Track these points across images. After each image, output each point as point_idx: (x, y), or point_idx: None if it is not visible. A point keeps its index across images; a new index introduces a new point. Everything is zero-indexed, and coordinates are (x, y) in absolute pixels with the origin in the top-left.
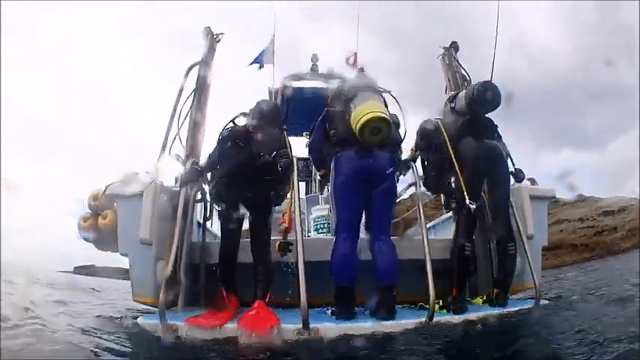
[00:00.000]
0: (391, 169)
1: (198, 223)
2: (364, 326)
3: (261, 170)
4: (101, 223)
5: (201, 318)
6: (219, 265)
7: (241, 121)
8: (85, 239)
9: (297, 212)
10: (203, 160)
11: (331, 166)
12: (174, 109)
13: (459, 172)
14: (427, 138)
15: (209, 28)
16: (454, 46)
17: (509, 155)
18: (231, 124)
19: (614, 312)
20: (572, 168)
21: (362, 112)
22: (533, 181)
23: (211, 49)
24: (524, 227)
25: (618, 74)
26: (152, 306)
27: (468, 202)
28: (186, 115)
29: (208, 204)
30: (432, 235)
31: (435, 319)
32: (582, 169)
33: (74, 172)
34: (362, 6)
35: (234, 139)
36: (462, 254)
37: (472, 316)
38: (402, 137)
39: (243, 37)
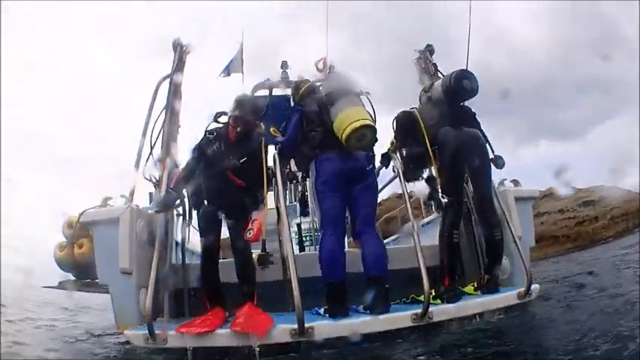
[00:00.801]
0: (370, 166)
1: (176, 242)
2: (359, 322)
3: (231, 176)
4: (77, 252)
5: (190, 326)
6: (201, 275)
7: (223, 120)
8: (64, 270)
9: (283, 213)
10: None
11: (311, 167)
12: (146, 127)
13: (434, 163)
14: (404, 128)
15: (178, 39)
16: (430, 49)
17: (488, 142)
18: (215, 124)
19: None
20: (553, 161)
21: (348, 120)
22: (516, 183)
23: (181, 62)
24: (514, 228)
25: (596, 66)
26: None
27: (441, 195)
28: (159, 132)
29: (187, 209)
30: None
31: (430, 309)
32: (562, 161)
33: (58, 183)
34: (332, 7)
35: (214, 143)
36: (451, 241)
37: (466, 304)
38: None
39: (220, 44)
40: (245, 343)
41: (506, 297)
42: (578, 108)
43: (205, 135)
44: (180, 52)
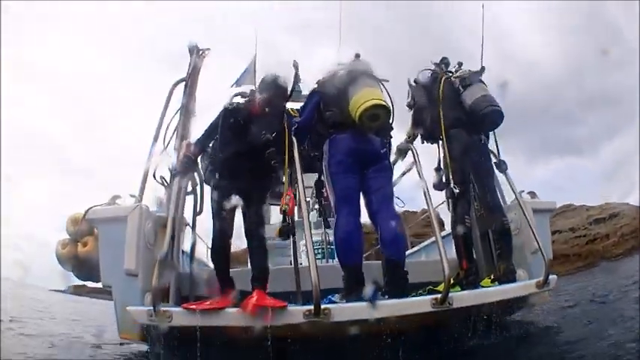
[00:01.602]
0: (384, 150)
1: (183, 251)
2: (377, 305)
3: (261, 152)
4: (81, 250)
5: (198, 305)
6: (213, 256)
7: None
8: (65, 268)
9: (301, 195)
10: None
11: (324, 148)
12: (158, 129)
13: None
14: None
15: (195, 43)
16: (445, 61)
17: (497, 145)
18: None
19: None
20: (563, 177)
21: (363, 99)
22: (533, 195)
23: (197, 66)
24: (529, 243)
25: (606, 80)
26: (141, 343)
27: (452, 185)
28: (172, 135)
29: (198, 198)
30: (423, 256)
31: (450, 295)
32: (573, 178)
33: (65, 187)
34: (348, 22)
35: (236, 117)
36: (464, 225)
37: (487, 291)
38: (391, 125)
39: (233, 54)
40: (256, 323)
41: (526, 286)
42: (588, 123)
43: (226, 110)
44: (196, 56)
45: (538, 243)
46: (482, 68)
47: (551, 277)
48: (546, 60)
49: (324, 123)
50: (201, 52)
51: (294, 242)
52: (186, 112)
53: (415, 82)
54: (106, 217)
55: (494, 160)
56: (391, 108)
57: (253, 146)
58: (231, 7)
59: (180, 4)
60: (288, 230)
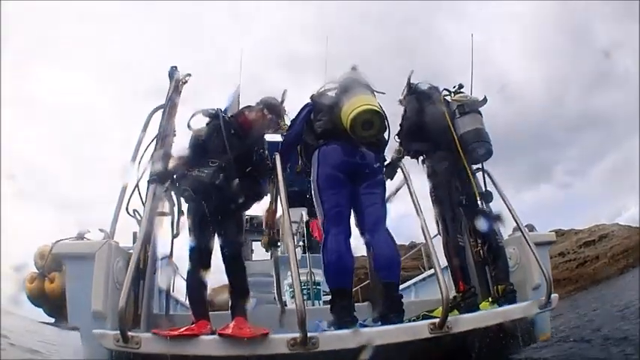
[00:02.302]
0: (378, 164)
1: (160, 289)
2: (370, 332)
3: (250, 165)
4: (48, 287)
5: (170, 330)
6: (189, 282)
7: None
8: (33, 304)
9: (285, 217)
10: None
11: (312, 160)
12: (134, 159)
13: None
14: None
15: (175, 67)
16: (461, 85)
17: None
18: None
19: None
20: (552, 203)
21: (354, 105)
22: (532, 228)
23: (176, 92)
24: (530, 278)
25: (592, 103)
26: None
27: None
28: (147, 166)
29: (176, 218)
30: (412, 295)
31: (448, 319)
32: (561, 203)
33: (60, 220)
34: (335, 55)
35: (228, 128)
36: (456, 244)
37: (488, 314)
38: (387, 139)
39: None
40: (235, 352)
41: (528, 306)
42: (576, 147)
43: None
44: (175, 82)
45: (541, 266)
46: (485, 99)
47: (552, 296)
48: (531, 86)
49: (314, 134)
50: (181, 78)
51: (278, 280)
52: (163, 141)
53: (409, 85)
54: (72, 253)
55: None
56: (385, 117)
57: (246, 159)
58: (218, 41)
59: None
60: (273, 242)
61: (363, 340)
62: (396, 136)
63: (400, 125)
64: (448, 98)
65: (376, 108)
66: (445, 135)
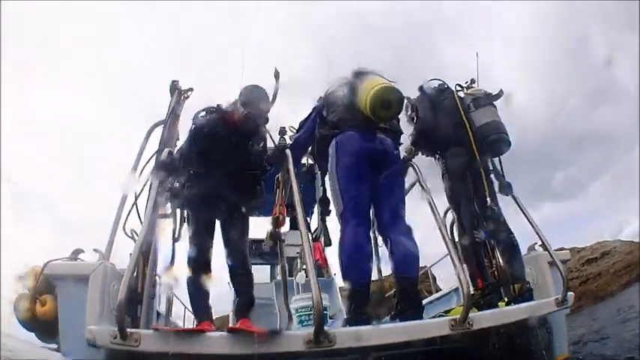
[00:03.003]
0: (397, 152)
1: (158, 313)
2: (389, 328)
3: (245, 161)
4: (39, 310)
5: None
6: (189, 280)
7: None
8: (24, 327)
9: (299, 209)
10: None
11: (330, 151)
12: (131, 176)
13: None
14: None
15: (177, 82)
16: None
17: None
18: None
19: None
20: (554, 221)
21: (372, 84)
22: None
23: (177, 106)
24: (545, 294)
25: (592, 120)
26: None
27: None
28: (146, 182)
29: (178, 220)
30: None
31: (469, 315)
32: (562, 221)
33: (58, 241)
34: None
35: (213, 127)
36: (474, 241)
37: (508, 310)
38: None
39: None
40: (246, 350)
41: (546, 304)
42: (577, 164)
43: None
44: (177, 96)
45: (558, 267)
46: (501, 91)
47: (569, 294)
48: (531, 105)
49: (328, 125)
50: (182, 93)
51: (286, 290)
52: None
53: (420, 89)
54: (65, 275)
55: (496, 182)
56: (401, 92)
57: (233, 159)
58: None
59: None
60: (276, 237)
61: (382, 338)
62: (409, 137)
63: (413, 125)
64: (461, 94)
65: (395, 86)
66: (460, 130)
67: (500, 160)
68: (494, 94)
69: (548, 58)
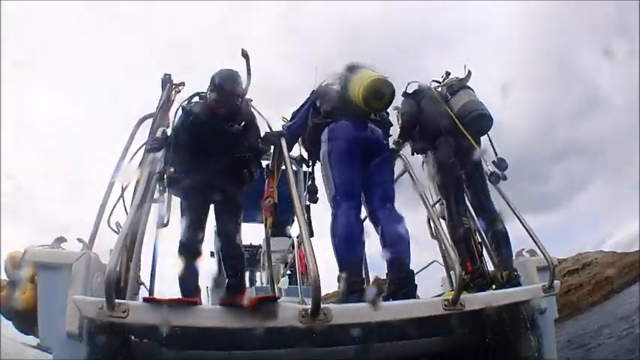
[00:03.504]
0: (387, 142)
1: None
2: (384, 306)
3: (231, 145)
4: (18, 298)
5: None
6: (179, 258)
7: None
8: (3, 316)
9: (293, 192)
10: None
11: (323, 137)
12: (117, 168)
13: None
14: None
15: (169, 75)
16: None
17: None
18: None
19: None
20: (539, 234)
21: (365, 76)
22: (533, 253)
23: (168, 100)
24: (535, 301)
25: (575, 130)
26: None
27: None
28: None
29: (166, 205)
30: None
31: (461, 296)
32: (545, 233)
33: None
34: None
35: (195, 114)
36: (461, 226)
37: (499, 293)
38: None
39: None
40: (241, 323)
41: (534, 289)
42: (560, 176)
43: (183, 109)
44: (169, 89)
45: (544, 254)
46: (469, 73)
47: (555, 282)
48: (513, 118)
49: (320, 115)
50: (174, 86)
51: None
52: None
53: (403, 95)
54: (45, 262)
55: (489, 163)
56: (392, 84)
57: (218, 144)
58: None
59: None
60: (276, 222)
61: (378, 315)
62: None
63: (399, 124)
64: (439, 89)
65: (387, 78)
66: (444, 119)
67: (489, 138)
68: (463, 77)
69: (534, 70)
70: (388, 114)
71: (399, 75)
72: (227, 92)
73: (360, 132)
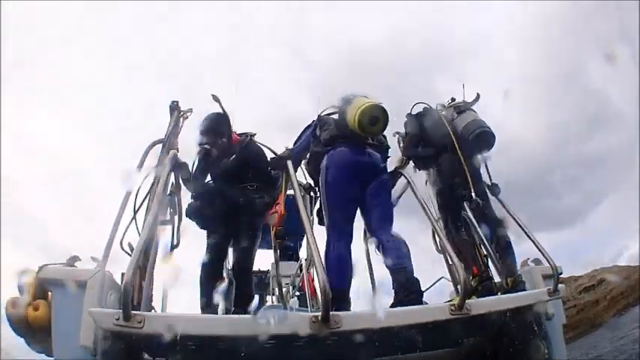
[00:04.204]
0: (384, 165)
1: None
2: (393, 312)
3: (236, 179)
4: (32, 315)
5: None
6: (202, 288)
7: None
8: (16, 333)
9: (302, 211)
10: None
11: (322, 165)
12: (128, 193)
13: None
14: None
15: (176, 102)
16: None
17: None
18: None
19: None
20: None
21: (360, 103)
22: (538, 262)
23: (176, 127)
24: (542, 304)
25: (589, 147)
26: None
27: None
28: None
29: (176, 226)
30: None
31: (467, 301)
32: (560, 249)
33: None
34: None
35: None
36: (462, 240)
37: (504, 298)
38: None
39: None
40: (251, 331)
41: (539, 293)
42: (575, 192)
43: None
44: (177, 116)
45: (548, 260)
46: (478, 96)
47: (560, 285)
48: (526, 134)
49: (321, 143)
50: (182, 113)
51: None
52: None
53: (407, 116)
54: (61, 280)
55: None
56: (387, 110)
57: (227, 180)
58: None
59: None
60: (282, 234)
61: (387, 321)
62: (402, 150)
63: (403, 143)
64: (444, 112)
65: (381, 104)
66: (447, 139)
67: (486, 164)
68: (471, 100)
69: (545, 87)
70: (385, 137)
71: (407, 97)
72: (207, 135)
73: (358, 156)
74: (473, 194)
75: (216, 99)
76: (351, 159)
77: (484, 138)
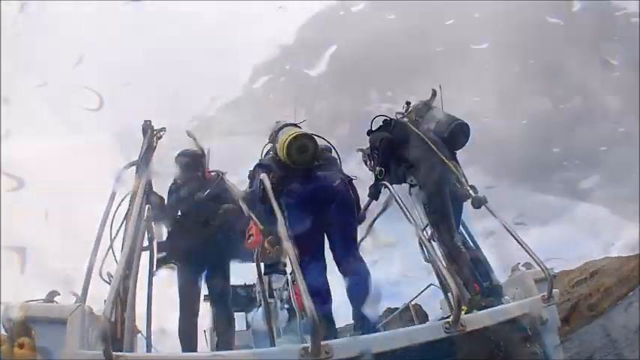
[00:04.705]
0: (339, 181)
1: None
2: (385, 336)
3: (206, 213)
4: (17, 353)
5: None
6: (180, 330)
7: None
8: None
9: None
10: None
11: (282, 207)
12: (105, 218)
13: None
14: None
15: (149, 122)
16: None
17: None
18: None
19: None
20: (546, 246)
21: (284, 137)
22: (529, 266)
23: (150, 147)
24: (537, 312)
25: (575, 140)
26: None
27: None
28: (120, 225)
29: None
30: None
31: (462, 317)
32: (552, 244)
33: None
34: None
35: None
36: (459, 251)
37: (499, 310)
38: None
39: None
40: None
41: (534, 301)
42: (562, 184)
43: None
44: (150, 136)
45: (538, 263)
46: (434, 92)
47: (554, 290)
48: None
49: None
50: (155, 132)
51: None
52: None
53: (368, 133)
54: (41, 317)
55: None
56: (314, 138)
57: (196, 214)
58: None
59: None
60: (274, 243)
61: (380, 345)
62: (376, 168)
63: (374, 156)
64: (405, 119)
65: (304, 132)
66: (422, 144)
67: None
68: (428, 99)
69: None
70: (331, 150)
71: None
72: (183, 169)
73: (309, 185)
74: (471, 192)
75: (191, 135)
76: (303, 190)
77: (460, 130)
